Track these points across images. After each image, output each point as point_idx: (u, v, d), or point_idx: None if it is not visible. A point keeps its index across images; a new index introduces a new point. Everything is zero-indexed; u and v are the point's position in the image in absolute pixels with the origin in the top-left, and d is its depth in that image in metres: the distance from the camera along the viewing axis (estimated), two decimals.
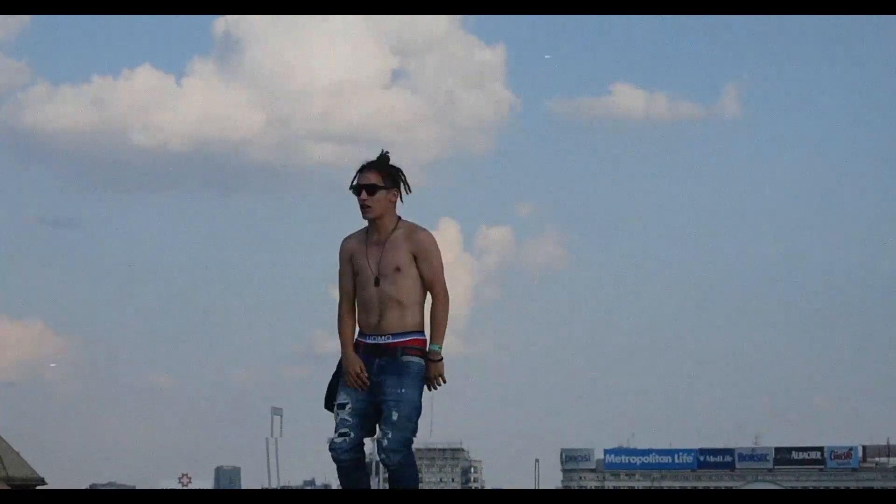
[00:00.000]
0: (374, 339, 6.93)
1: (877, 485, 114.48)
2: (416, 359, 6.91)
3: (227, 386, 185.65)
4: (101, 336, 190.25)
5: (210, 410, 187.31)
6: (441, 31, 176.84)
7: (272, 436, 56.33)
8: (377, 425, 6.92)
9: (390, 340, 6.90)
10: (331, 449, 6.96)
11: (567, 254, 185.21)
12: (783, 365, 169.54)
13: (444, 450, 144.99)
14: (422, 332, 6.95)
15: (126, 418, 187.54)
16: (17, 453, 45.72)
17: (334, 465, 7.02)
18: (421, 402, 6.91)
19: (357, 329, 7.01)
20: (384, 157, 7.03)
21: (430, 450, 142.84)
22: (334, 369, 7.10)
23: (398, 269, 6.89)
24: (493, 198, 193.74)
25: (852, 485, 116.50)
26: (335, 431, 6.95)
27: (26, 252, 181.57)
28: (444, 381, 6.94)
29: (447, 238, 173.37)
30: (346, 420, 6.92)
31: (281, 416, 57.75)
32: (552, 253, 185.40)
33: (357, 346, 6.98)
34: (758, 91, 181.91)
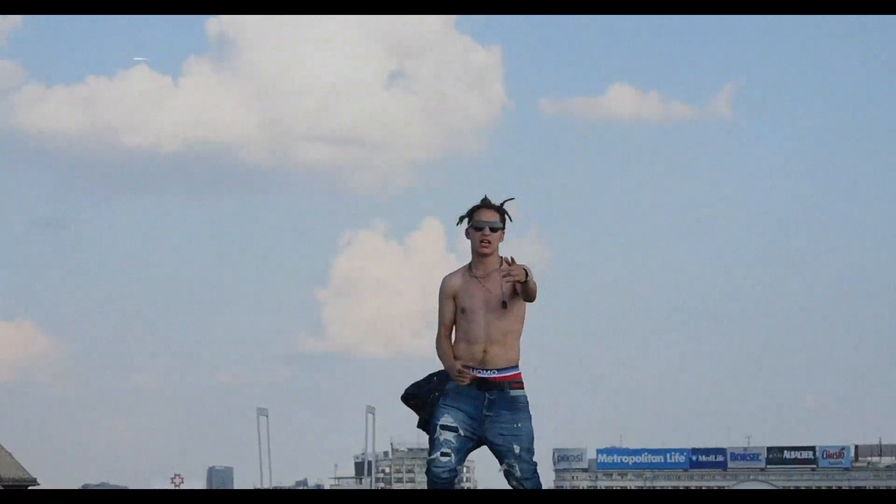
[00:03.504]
0: (481, 372, 7.18)
1: (869, 484, 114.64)
2: (522, 392, 7.25)
3: (217, 386, 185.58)
4: (91, 336, 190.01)
5: (201, 411, 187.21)
6: (436, 33, 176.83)
7: (259, 436, 56.35)
8: (502, 458, 7.21)
9: (496, 375, 7.18)
10: (433, 466, 7.17)
11: (553, 254, 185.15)
12: (775, 364, 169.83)
13: None
14: (518, 366, 7.26)
15: (118, 419, 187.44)
16: (10, 454, 45.69)
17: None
18: (532, 430, 7.27)
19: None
20: (494, 204, 7.36)
21: (421, 450, 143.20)
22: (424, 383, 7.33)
23: (504, 305, 7.17)
24: (479, 198, 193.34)
25: (844, 484, 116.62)
26: (436, 450, 7.17)
27: (16, 253, 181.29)
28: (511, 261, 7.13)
29: (431, 238, 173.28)
30: (451, 442, 7.16)
31: (267, 416, 57.73)
32: (537, 253, 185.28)
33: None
34: (749, 92, 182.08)
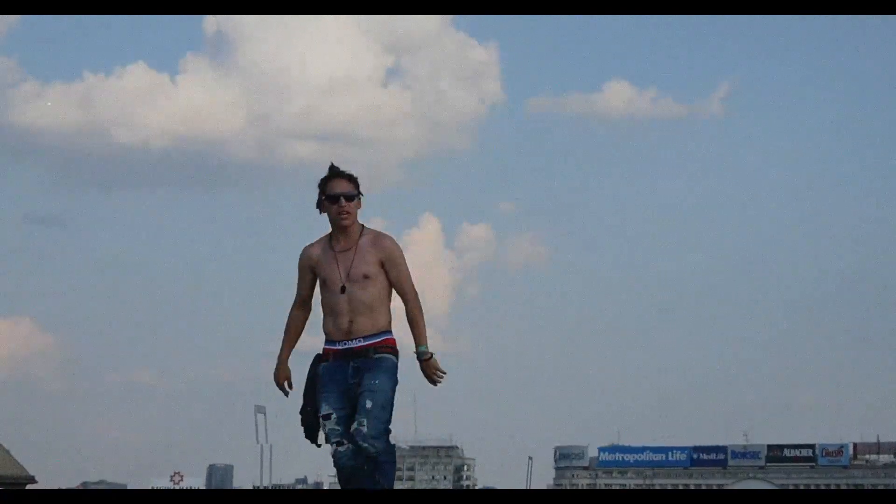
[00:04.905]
0: (346, 344, 7.09)
1: (867, 482, 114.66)
2: (388, 355, 7.09)
3: (217, 383, 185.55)
4: (89, 333, 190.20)
5: (201, 408, 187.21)
6: (433, 30, 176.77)
7: (257, 434, 56.23)
8: (355, 416, 7.02)
9: (362, 343, 7.07)
10: (336, 458, 7.11)
11: (550, 251, 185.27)
12: (775, 363, 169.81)
13: (437, 448, 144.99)
14: (391, 331, 7.13)
15: (117, 416, 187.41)
16: (7, 451, 45.62)
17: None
18: (393, 395, 7.05)
19: (324, 337, 7.19)
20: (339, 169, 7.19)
21: (423, 448, 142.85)
22: (307, 373, 7.22)
23: (367, 277, 7.06)
24: (475, 195, 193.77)
25: (843, 482, 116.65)
26: (330, 442, 7.09)
27: (13, 250, 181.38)
28: (444, 373, 7.10)
29: (428, 235, 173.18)
30: (336, 429, 7.06)
31: (265, 413, 57.62)
32: (532, 250, 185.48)
33: (326, 355, 7.15)
34: (743, 91, 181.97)
